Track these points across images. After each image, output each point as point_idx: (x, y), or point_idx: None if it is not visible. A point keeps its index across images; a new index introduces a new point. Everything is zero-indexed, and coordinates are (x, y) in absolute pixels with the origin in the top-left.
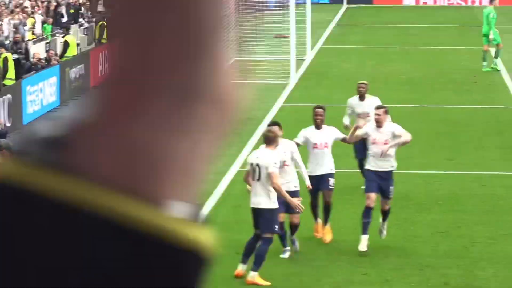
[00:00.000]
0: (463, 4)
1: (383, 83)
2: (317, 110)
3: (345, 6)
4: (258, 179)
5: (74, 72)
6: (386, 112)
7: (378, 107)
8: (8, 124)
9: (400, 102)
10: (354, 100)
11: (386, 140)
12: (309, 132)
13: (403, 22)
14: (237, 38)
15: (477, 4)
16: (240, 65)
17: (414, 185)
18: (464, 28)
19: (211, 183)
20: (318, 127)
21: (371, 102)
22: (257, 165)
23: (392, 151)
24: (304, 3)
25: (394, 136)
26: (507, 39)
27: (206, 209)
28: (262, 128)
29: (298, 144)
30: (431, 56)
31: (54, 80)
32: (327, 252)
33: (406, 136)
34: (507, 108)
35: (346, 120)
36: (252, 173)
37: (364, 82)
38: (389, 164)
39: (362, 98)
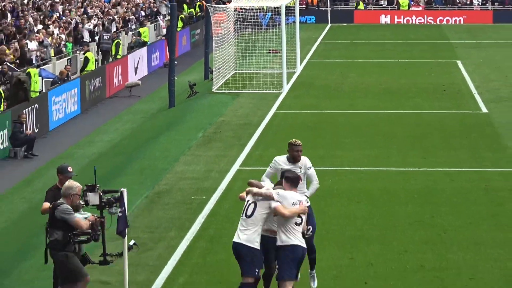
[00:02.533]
0: (433, 22)
1: (363, 93)
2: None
3: (329, 25)
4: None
5: (93, 84)
6: None
7: None
8: (36, 130)
9: (379, 108)
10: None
11: None
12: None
13: (380, 39)
14: (236, 54)
15: (444, 22)
16: (240, 77)
17: (393, 181)
18: (434, 43)
19: (215, 181)
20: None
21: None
22: None
23: None
24: (294, 22)
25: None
26: (470, 54)
27: (211, 204)
28: (258, 132)
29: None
30: (405, 68)
31: (75, 91)
32: (316, 241)
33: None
34: (473, 113)
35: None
36: None
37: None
38: None
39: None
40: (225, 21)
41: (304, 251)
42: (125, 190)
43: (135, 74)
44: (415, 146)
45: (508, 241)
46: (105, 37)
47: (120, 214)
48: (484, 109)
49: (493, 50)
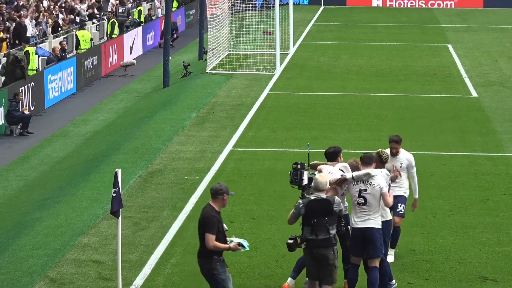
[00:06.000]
0: (424, 6)
1: (355, 75)
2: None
3: (322, 7)
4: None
5: (88, 63)
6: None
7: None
8: (32, 108)
9: (370, 91)
10: None
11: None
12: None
13: (372, 22)
14: (230, 35)
15: (436, 6)
16: (233, 58)
17: None
18: (425, 27)
19: (208, 161)
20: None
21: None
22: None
23: None
24: (287, 4)
25: None
26: (461, 37)
27: (204, 184)
28: (251, 113)
29: None
30: (396, 51)
31: (71, 70)
32: None
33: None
34: (463, 97)
35: None
36: None
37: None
38: None
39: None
40: (219, 2)
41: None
42: (119, 171)
43: (130, 54)
44: (405, 129)
45: (496, 225)
46: (121, 10)
47: (114, 194)
48: (474, 93)
49: (483, 34)
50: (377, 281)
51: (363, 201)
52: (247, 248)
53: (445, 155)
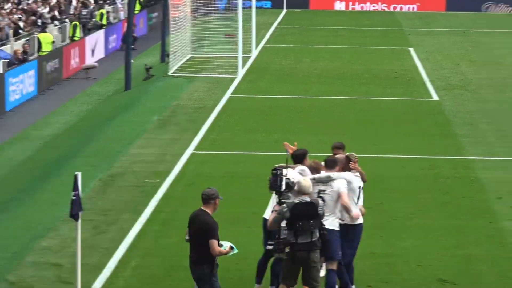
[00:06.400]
0: (387, 9)
1: (317, 78)
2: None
3: (284, 10)
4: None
5: (50, 65)
6: None
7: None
8: None
9: (332, 94)
10: None
11: None
12: None
13: (334, 25)
14: (193, 38)
15: (398, 9)
16: (195, 61)
17: None
18: (387, 30)
19: (169, 164)
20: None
21: None
22: None
23: None
24: (250, 7)
25: None
26: (422, 41)
27: (164, 187)
28: (213, 116)
29: None
30: (358, 54)
31: (32, 72)
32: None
33: None
34: (424, 101)
35: None
36: None
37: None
38: None
39: None
40: (182, 5)
41: None
42: (79, 174)
43: (92, 56)
44: (366, 132)
45: (456, 228)
46: (84, 12)
47: (74, 198)
48: (435, 97)
49: (445, 37)
50: (333, 285)
51: (321, 202)
52: (237, 250)
53: (405, 158)
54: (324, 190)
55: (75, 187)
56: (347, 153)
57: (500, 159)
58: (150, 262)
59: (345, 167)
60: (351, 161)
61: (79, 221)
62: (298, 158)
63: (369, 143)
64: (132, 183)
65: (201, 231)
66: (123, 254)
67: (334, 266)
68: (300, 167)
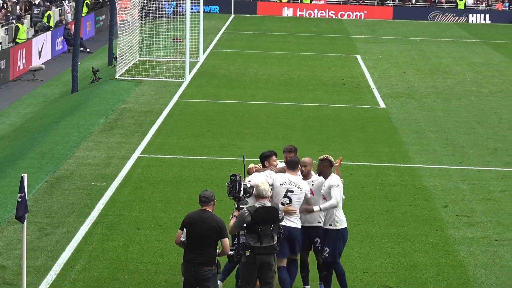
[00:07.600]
0: (334, 16)
1: (264, 83)
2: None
3: (232, 15)
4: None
5: None
6: None
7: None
8: None
9: (279, 100)
10: None
11: None
12: None
13: (282, 31)
14: (140, 42)
15: (346, 17)
16: (143, 64)
17: None
18: (334, 37)
19: (115, 167)
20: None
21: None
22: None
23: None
24: (198, 11)
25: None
26: (370, 48)
27: (111, 190)
28: (160, 120)
29: None
30: (305, 61)
31: None
32: None
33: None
34: (371, 108)
35: None
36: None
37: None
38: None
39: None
40: (129, 8)
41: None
42: (25, 176)
43: (39, 58)
44: (313, 139)
45: (402, 236)
46: (36, 11)
47: (19, 199)
48: (382, 104)
49: (392, 45)
50: (285, 280)
51: (288, 201)
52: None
53: (352, 165)
54: (292, 191)
55: (21, 189)
56: (323, 157)
57: (446, 167)
58: (96, 265)
59: (327, 171)
60: (332, 165)
61: (25, 223)
62: (264, 159)
63: (316, 150)
64: (78, 186)
65: (213, 231)
66: (69, 257)
67: (284, 263)
68: (268, 171)
